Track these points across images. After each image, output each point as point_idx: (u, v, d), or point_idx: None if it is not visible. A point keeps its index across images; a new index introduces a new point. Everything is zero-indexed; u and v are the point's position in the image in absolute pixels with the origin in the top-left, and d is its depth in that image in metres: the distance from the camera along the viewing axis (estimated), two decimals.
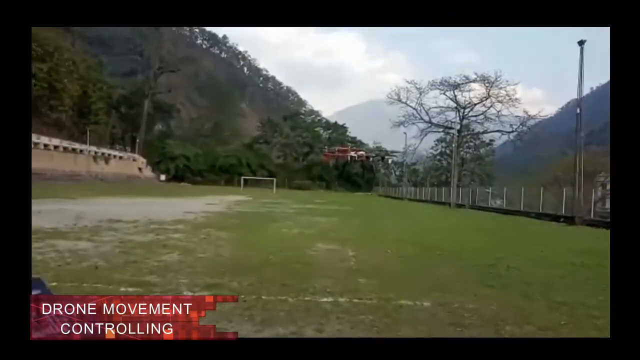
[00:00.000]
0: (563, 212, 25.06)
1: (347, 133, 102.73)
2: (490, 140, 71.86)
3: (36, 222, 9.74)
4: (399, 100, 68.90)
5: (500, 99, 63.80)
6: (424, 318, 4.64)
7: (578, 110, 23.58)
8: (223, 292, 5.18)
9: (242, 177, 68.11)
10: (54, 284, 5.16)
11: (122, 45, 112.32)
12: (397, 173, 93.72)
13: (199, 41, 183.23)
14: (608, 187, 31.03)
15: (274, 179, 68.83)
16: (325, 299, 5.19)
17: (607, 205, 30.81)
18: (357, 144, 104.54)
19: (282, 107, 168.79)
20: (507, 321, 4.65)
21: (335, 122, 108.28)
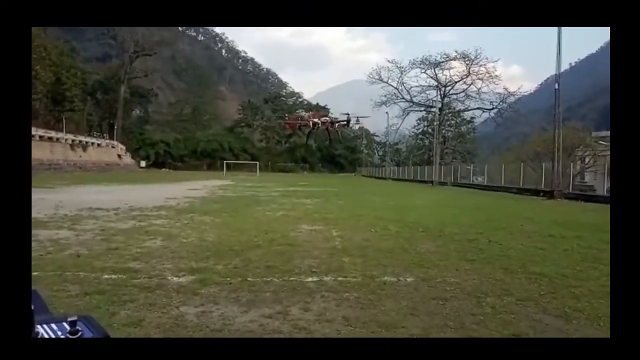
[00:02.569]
0: (543, 186, 25.60)
1: (329, 114, 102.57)
2: (472, 118, 72.69)
3: None
4: (381, 79, 68.98)
5: (480, 76, 64.41)
6: (407, 293, 4.73)
7: (556, 86, 23.88)
8: (208, 276, 5.18)
9: (225, 162, 67.47)
10: (36, 273, 5.09)
11: (95, 29, 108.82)
12: (380, 153, 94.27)
13: None
14: (587, 160, 31.75)
15: (257, 163, 68.41)
16: (310, 279, 5.24)
17: (586, 179, 31.58)
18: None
19: (262, 89, 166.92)
20: (488, 293, 4.77)
21: (317, 104, 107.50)
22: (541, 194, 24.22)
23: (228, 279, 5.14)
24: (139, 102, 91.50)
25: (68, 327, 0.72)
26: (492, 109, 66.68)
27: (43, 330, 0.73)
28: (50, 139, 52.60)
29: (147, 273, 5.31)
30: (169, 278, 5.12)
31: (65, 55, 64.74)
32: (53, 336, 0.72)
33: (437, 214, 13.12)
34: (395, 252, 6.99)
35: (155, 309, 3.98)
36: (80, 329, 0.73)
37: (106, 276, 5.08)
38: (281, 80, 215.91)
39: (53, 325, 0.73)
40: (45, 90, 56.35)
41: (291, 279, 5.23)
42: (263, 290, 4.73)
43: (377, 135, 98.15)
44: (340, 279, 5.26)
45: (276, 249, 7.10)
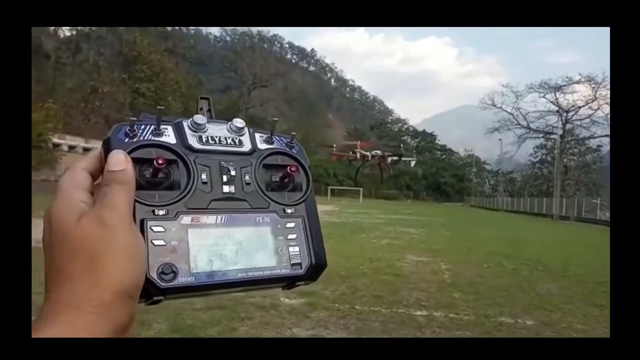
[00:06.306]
0: None
1: (436, 141, 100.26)
2: (598, 146, 65.62)
3: None
4: (494, 105, 65.83)
5: (609, 100, 58.31)
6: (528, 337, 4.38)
7: None
8: (317, 300, 5.33)
9: (329, 187, 69.06)
10: None
11: (219, 63, 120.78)
12: (492, 182, 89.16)
13: (288, 56, 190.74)
14: None
15: (361, 189, 68.87)
16: (419, 312, 5.12)
17: None
18: (447, 152, 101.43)
19: (368, 116, 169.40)
20: None
21: (424, 130, 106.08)
22: None
23: (336, 304, 5.23)
24: None
25: None
26: None
27: None
28: None
29: (262, 292, 5.62)
30: (281, 299, 5.36)
31: (193, 87, 72.59)
32: None
33: (559, 252, 11.96)
34: (511, 290, 6.53)
35: (270, 328, 4.21)
36: None
37: None
38: (387, 107, 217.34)
39: None
40: None
41: (399, 310, 5.16)
42: (371, 319, 4.74)
43: (487, 164, 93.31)
44: (451, 315, 5.06)
45: (382, 278, 7.06)
